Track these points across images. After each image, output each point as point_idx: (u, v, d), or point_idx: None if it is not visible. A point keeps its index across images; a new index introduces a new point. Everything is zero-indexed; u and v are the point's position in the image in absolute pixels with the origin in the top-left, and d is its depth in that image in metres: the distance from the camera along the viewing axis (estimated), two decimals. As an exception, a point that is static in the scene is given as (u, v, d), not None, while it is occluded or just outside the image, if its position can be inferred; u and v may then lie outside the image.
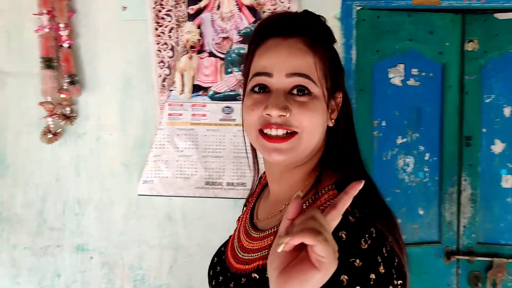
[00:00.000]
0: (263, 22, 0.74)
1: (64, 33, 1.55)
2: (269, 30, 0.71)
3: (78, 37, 1.61)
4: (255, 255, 0.71)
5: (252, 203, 0.87)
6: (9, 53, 1.63)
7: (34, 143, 1.63)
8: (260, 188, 0.90)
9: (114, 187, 1.67)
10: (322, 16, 0.75)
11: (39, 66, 1.59)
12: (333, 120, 0.72)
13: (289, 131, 0.67)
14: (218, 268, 0.81)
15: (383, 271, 0.56)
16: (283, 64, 0.67)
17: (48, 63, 1.54)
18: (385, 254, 0.58)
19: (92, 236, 1.69)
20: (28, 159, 1.68)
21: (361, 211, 0.61)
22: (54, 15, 1.54)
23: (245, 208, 0.91)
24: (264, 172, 0.87)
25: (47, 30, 1.54)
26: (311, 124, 0.67)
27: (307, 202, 0.68)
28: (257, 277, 0.67)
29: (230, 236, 0.87)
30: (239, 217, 0.91)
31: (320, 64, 0.68)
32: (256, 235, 0.74)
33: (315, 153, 0.72)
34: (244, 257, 0.74)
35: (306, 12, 0.74)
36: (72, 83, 1.57)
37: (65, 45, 1.56)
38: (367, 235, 0.58)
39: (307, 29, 0.70)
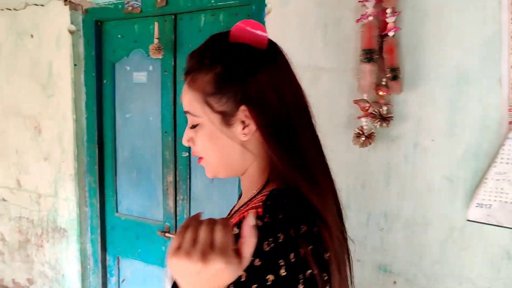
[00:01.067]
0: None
1: (390, 20, 1.33)
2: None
3: (402, 23, 1.37)
4: None
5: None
6: (325, 47, 1.53)
7: (341, 143, 1.50)
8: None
9: (431, 205, 1.37)
10: (213, 43, 0.76)
11: (354, 60, 1.44)
12: (244, 134, 0.74)
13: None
14: None
15: (284, 274, 0.60)
16: None
17: (370, 55, 1.35)
18: (293, 259, 0.61)
19: (398, 258, 1.44)
20: (335, 160, 1.55)
21: (273, 217, 0.64)
22: (381, 0, 1.34)
23: None
24: None
25: (371, 18, 1.36)
26: (204, 150, 0.77)
27: (244, 205, 0.74)
28: None
29: None
30: None
31: (198, 96, 0.74)
32: None
33: (251, 163, 0.77)
34: None
35: (203, 44, 0.77)
36: (394, 78, 1.34)
37: (391, 33, 1.34)
38: (271, 239, 0.61)
39: (189, 67, 0.76)
